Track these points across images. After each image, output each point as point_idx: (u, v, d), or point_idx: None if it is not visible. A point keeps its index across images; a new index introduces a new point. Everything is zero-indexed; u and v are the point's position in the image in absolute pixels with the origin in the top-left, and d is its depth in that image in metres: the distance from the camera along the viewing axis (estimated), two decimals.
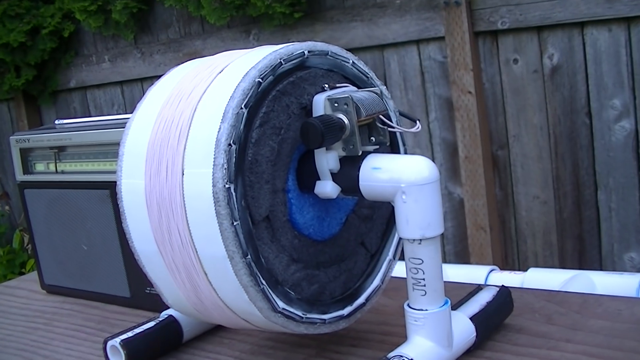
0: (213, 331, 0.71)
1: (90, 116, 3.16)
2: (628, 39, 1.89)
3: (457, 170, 2.22)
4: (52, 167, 0.86)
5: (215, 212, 0.51)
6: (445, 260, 2.35)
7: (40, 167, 0.87)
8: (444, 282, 0.57)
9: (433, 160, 2.25)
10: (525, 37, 2.04)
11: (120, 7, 2.70)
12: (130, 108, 3.03)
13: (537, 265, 2.17)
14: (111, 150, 0.79)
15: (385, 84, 2.29)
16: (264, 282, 0.54)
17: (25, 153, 0.89)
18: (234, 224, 0.52)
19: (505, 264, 2.22)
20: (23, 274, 2.95)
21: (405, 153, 0.66)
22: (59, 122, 0.89)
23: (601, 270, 2.07)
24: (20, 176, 0.90)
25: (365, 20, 2.27)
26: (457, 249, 2.31)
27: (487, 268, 0.98)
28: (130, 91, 2.99)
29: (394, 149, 0.65)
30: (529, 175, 2.13)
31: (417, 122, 0.58)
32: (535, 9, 1.97)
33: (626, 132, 1.94)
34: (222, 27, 2.59)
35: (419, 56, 2.24)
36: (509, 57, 2.09)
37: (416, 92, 2.27)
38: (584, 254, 2.09)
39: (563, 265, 2.13)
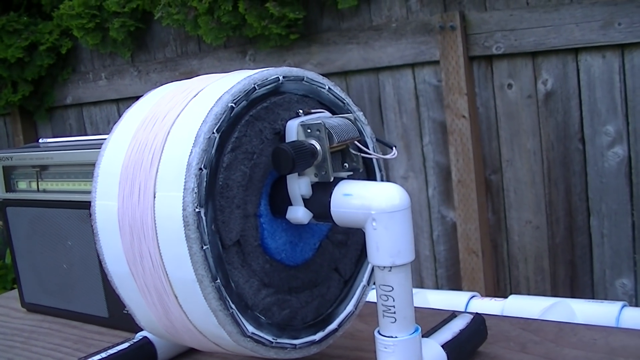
0: (187, 353, 0.71)
1: (85, 134, 3.15)
2: (622, 65, 1.90)
3: (450, 194, 2.22)
4: (34, 185, 0.86)
5: (185, 236, 0.51)
6: (437, 284, 2.35)
7: (22, 185, 0.87)
8: (423, 308, 0.57)
9: (426, 184, 2.25)
10: (519, 62, 2.05)
11: (117, 25, 2.72)
12: None
13: (528, 291, 2.17)
14: (92, 170, 0.79)
15: (380, 107, 2.30)
16: (233, 306, 0.54)
17: (7, 171, 0.89)
18: (204, 247, 0.51)
19: (497, 289, 2.22)
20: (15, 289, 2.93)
21: (382, 179, 0.66)
22: (43, 141, 0.89)
23: (592, 296, 2.06)
24: (2, 194, 0.90)
25: (361, 43, 2.28)
26: (449, 272, 2.30)
27: (468, 294, 0.98)
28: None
29: (370, 175, 0.65)
30: (522, 200, 2.13)
31: (394, 148, 0.59)
32: (530, 35, 1.99)
33: (619, 158, 1.94)
34: (219, 47, 2.60)
35: (413, 79, 2.25)
36: (503, 82, 2.10)
37: (410, 116, 2.27)
38: (575, 280, 2.09)
39: (555, 291, 2.13)
